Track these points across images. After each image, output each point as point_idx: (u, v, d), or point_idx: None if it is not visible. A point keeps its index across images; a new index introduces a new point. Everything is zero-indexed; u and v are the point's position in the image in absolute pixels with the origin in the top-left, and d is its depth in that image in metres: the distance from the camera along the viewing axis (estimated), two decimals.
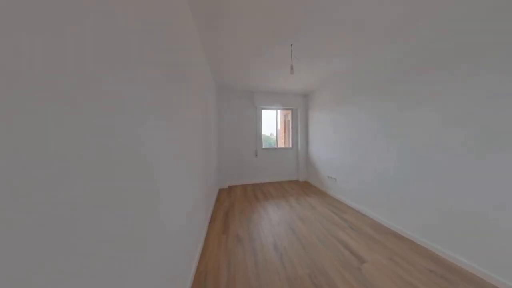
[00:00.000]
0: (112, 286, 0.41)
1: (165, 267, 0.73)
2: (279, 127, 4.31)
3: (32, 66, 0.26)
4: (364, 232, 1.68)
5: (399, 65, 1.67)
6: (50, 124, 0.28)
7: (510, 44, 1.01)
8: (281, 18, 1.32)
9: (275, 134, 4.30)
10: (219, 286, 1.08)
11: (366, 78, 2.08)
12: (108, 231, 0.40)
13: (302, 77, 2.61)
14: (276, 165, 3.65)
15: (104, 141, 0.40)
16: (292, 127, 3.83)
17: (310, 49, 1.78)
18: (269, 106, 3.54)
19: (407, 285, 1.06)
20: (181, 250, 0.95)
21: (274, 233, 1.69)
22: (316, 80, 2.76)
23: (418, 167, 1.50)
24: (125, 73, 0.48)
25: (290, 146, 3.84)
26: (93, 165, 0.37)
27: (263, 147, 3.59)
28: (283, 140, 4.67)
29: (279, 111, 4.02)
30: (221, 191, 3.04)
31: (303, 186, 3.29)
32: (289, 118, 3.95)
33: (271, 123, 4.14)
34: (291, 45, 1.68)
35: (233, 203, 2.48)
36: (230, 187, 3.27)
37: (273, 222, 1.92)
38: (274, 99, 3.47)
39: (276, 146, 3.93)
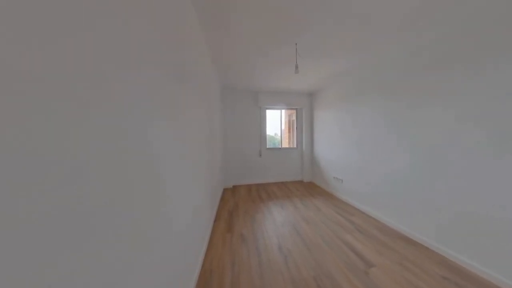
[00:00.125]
0: (122, 280, 0.42)
1: (173, 262, 0.74)
2: (283, 127, 4.28)
3: (49, 71, 0.27)
4: (371, 235, 1.63)
5: (411, 61, 1.61)
6: (66, 125, 0.29)
7: None
8: (286, 17, 1.31)
9: (279, 134, 4.27)
10: (224, 285, 1.09)
11: (374, 76, 2.02)
12: (118, 228, 0.41)
13: (307, 77, 2.58)
14: (281, 165, 3.62)
15: (114, 141, 0.41)
16: (296, 127, 3.79)
17: (315, 48, 1.75)
18: (273, 106, 3.52)
19: None
20: (187, 247, 0.96)
21: (278, 233, 1.68)
22: (321, 79, 2.71)
23: (430, 167, 1.43)
24: (133, 75, 0.50)
25: (295, 146, 3.80)
26: (104, 164, 0.38)
27: (267, 147, 3.58)
28: (287, 140, 4.63)
29: (283, 111, 3.99)
30: (225, 190, 3.06)
31: (308, 187, 3.25)
32: (294, 117, 3.92)
33: (275, 123, 4.12)
34: (296, 44, 1.67)
35: (238, 202, 2.49)
36: (234, 186, 3.29)
37: (277, 222, 1.91)
38: (279, 99, 3.45)
39: (280, 146, 3.91)
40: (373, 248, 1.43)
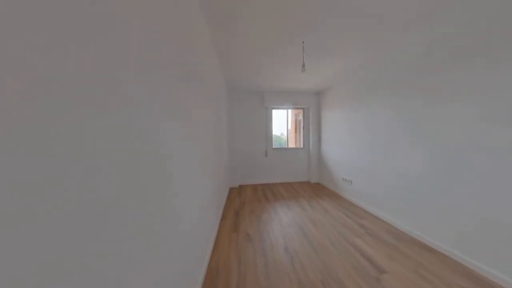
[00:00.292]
0: (134, 275, 0.44)
1: (181, 258, 0.76)
2: (289, 126, 4.23)
3: (71, 76, 0.29)
4: (383, 239, 1.55)
5: (427, 55, 1.51)
6: (86, 126, 0.31)
7: None
8: (294, 15, 1.29)
9: (285, 134, 4.23)
10: (230, 283, 1.10)
11: (387, 73, 1.93)
12: (130, 225, 0.43)
13: (314, 75, 2.52)
14: (287, 166, 3.58)
15: (130, 141, 0.43)
16: (303, 127, 3.72)
17: (323, 45, 1.71)
18: (279, 106, 3.49)
19: None
20: (195, 244, 0.98)
21: (285, 234, 1.66)
22: (330, 77, 2.64)
23: (452, 169, 1.33)
24: (145, 78, 0.52)
25: (301, 146, 3.74)
26: (121, 162, 0.40)
27: (273, 147, 3.56)
28: (293, 140, 4.57)
29: (289, 110, 3.94)
30: (231, 190, 3.08)
31: (315, 188, 3.18)
32: (300, 117, 3.85)
33: (282, 122, 4.08)
34: (303, 42, 1.64)
35: (244, 202, 2.50)
36: (240, 186, 3.31)
37: (283, 223, 1.88)
38: (285, 98, 3.41)
39: (286, 146, 3.87)
40: (385, 253, 1.36)
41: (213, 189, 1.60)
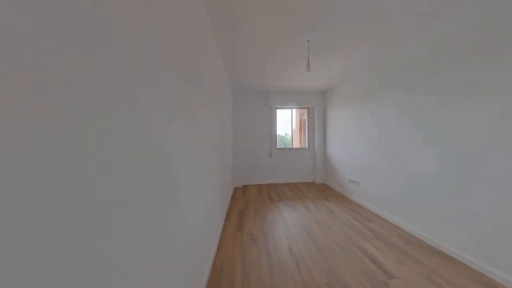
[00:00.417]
0: (142, 270, 0.44)
1: (186, 257, 0.76)
2: (294, 126, 4.17)
3: (87, 80, 0.29)
4: (392, 244, 1.49)
5: (441, 50, 1.43)
6: (98, 126, 0.31)
7: None
8: (299, 13, 1.26)
9: (290, 134, 4.18)
10: (234, 282, 1.10)
11: (396, 70, 1.85)
12: (139, 223, 0.44)
13: (320, 74, 2.47)
14: (291, 166, 3.54)
15: (138, 140, 0.44)
16: (308, 126, 3.66)
17: (328, 44, 1.66)
18: (284, 106, 3.46)
19: None
20: (200, 243, 0.99)
21: (289, 235, 1.64)
22: (335, 76, 2.57)
23: (467, 170, 1.25)
24: (153, 80, 0.52)
25: (306, 146, 3.68)
26: (129, 163, 0.40)
27: (277, 147, 3.53)
28: (298, 140, 4.51)
29: (294, 110, 3.89)
30: (236, 189, 3.09)
31: (320, 189, 3.12)
32: (305, 117, 3.79)
33: (286, 122, 4.03)
34: (308, 40, 1.60)
35: (248, 202, 2.50)
36: (245, 186, 3.31)
37: (288, 223, 1.86)
38: (290, 98, 3.37)
39: (291, 146, 3.82)
40: (394, 258, 1.31)
41: (218, 189, 1.61)
